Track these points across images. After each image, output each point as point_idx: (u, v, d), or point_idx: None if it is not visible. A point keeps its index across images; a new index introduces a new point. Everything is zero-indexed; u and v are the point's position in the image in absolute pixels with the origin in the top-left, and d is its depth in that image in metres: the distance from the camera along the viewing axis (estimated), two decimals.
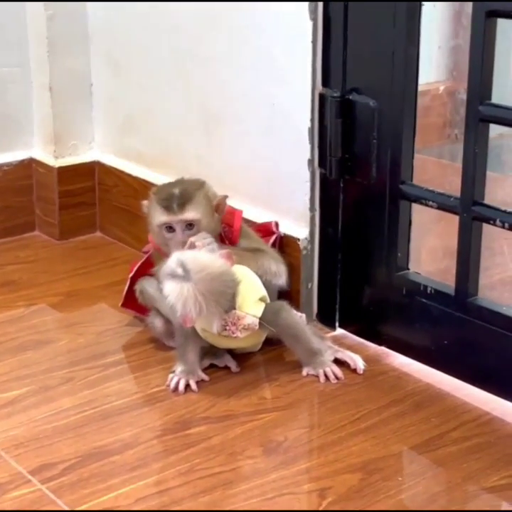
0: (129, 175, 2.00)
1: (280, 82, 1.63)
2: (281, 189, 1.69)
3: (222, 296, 1.42)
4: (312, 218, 1.65)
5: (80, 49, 2.00)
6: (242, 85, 1.72)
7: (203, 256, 1.44)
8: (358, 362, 1.53)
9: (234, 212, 1.60)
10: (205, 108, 1.81)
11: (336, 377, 1.50)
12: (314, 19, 1.54)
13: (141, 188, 1.97)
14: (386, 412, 1.42)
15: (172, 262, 1.39)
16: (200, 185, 1.56)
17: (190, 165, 1.87)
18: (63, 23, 1.96)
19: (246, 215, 1.69)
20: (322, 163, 1.60)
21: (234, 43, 1.71)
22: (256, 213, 1.72)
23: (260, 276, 1.53)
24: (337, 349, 1.56)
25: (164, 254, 1.52)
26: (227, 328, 1.46)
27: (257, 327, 1.48)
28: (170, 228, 1.53)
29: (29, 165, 2.05)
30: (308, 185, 1.63)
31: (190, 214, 1.51)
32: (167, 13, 1.83)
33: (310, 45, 1.55)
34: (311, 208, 1.65)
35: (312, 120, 1.59)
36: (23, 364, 1.55)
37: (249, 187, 1.75)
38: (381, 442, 1.34)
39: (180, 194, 1.52)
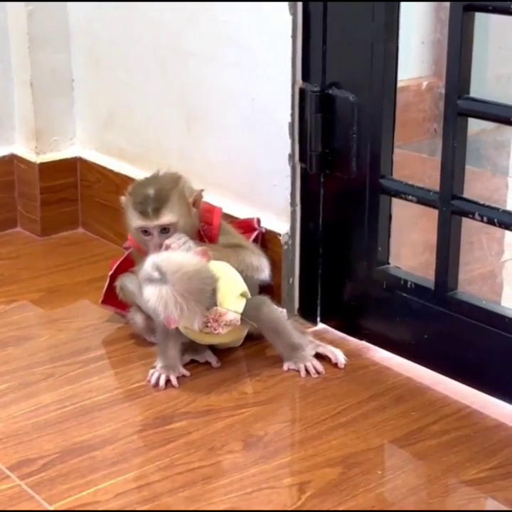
0: (111, 171, 2.00)
1: (260, 76, 1.63)
2: (262, 184, 1.69)
3: (202, 293, 1.42)
4: (293, 213, 1.65)
5: (61, 45, 1.99)
6: (222, 80, 1.71)
7: (178, 256, 1.44)
8: (339, 356, 1.53)
9: (213, 209, 1.59)
10: (185, 103, 1.81)
11: (317, 372, 1.50)
12: (294, 14, 1.54)
13: (123, 183, 1.96)
14: (366, 406, 1.42)
15: (148, 266, 1.39)
16: (175, 182, 1.55)
17: (171, 160, 1.86)
18: (44, 19, 1.95)
19: (227, 210, 1.69)
20: (303, 158, 1.60)
21: (214, 38, 1.70)
22: (237, 208, 1.72)
23: (241, 272, 1.53)
24: (318, 344, 1.56)
25: (144, 253, 1.52)
26: (209, 324, 1.46)
27: (239, 323, 1.48)
28: (146, 232, 1.52)
29: (10, 161, 2.04)
30: (288, 179, 1.63)
31: (166, 218, 1.50)
32: (147, 9, 1.83)
33: (290, 40, 1.55)
34: (292, 203, 1.65)
35: (292, 115, 1.59)
36: (4, 360, 1.55)
37: (231, 182, 1.75)
38: (361, 436, 1.35)
39: (155, 197, 1.50)
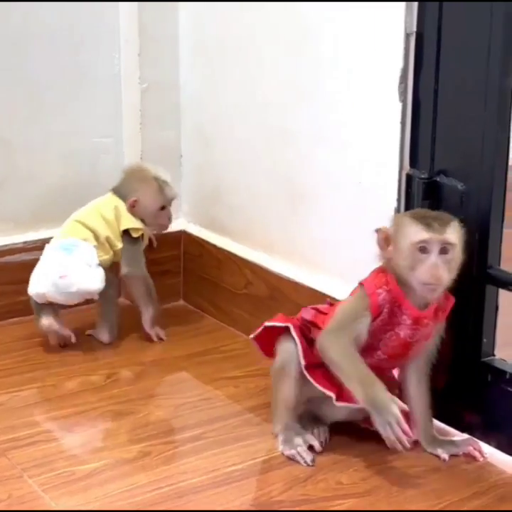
0: (214, 245, 2.02)
1: (367, 161, 1.63)
2: (367, 267, 1.67)
3: None
4: None
5: (172, 121, 2.04)
6: (329, 162, 1.72)
7: None
8: None
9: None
10: (291, 183, 1.82)
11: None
12: (403, 101, 1.54)
13: (224, 259, 1.99)
14: (468, 505, 1.37)
15: None
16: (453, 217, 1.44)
17: (275, 238, 1.88)
18: (156, 97, 2.01)
19: (330, 291, 1.69)
20: None
21: (322, 121, 1.71)
22: (341, 291, 1.71)
23: None
24: None
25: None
26: None
27: None
28: (425, 249, 1.40)
29: None
30: None
31: (451, 236, 1.40)
32: (257, 89, 1.86)
33: (398, 126, 1.55)
34: None
35: (399, 200, 1.58)
36: (102, 436, 1.56)
37: (334, 263, 1.74)
38: None
39: (439, 216, 1.42)
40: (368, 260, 1.66)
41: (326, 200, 1.74)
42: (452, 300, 1.48)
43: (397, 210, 1.59)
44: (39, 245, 2.00)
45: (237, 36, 1.89)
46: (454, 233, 1.41)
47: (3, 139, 1.95)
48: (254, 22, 1.83)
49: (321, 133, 1.72)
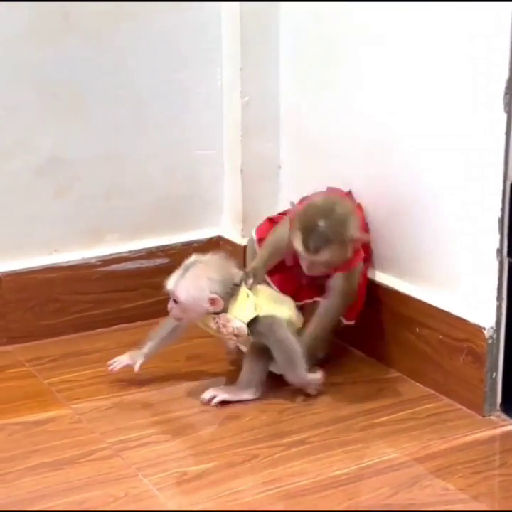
0: None
1: (471, 171, 1.64)
2: (468, 276, 1.69)
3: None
4: (498, 307, 1.64)
5: (271, 133, 2.08)
6: (431, 172, 1.73)
7: None
8: None
9: None
10: (392, 194, 1.83)
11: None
12: (508, 112, 1.55)
13: None
14: None
15: None
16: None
17: (374, 248, 1.90)
18: (257, 109, 2.05)
19: (431, 300, 1.71)
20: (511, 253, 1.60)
21: (424, 131, 1.73)
22: (441, 299, 1.73)
23: None
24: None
25: None
26: (221, 329, 1.67)
27: (246, 332, 1.67)
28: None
29: (217, 242, 2.13)
30: (496, 274, 1.63)
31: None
32: (357, 101, 1.88)
33: (503, 137, 1.56)
34: (498, 297, 1.64)
35: (502, 209, 1.60)
36: (210, 438, 1.61)
37: (435, 272, 1.76)
38: None
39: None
40: (469, 270, 1.68)
41: (428, 211, 1.76)
42: None
43: (501, 221, 1.60)
44: (144, 254, 2.07)
45: (337, 50, 1.92)
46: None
47: (110, 153, 2.02)
48: (354, 37, 1.87)
49: (423, 144, 1.74)
